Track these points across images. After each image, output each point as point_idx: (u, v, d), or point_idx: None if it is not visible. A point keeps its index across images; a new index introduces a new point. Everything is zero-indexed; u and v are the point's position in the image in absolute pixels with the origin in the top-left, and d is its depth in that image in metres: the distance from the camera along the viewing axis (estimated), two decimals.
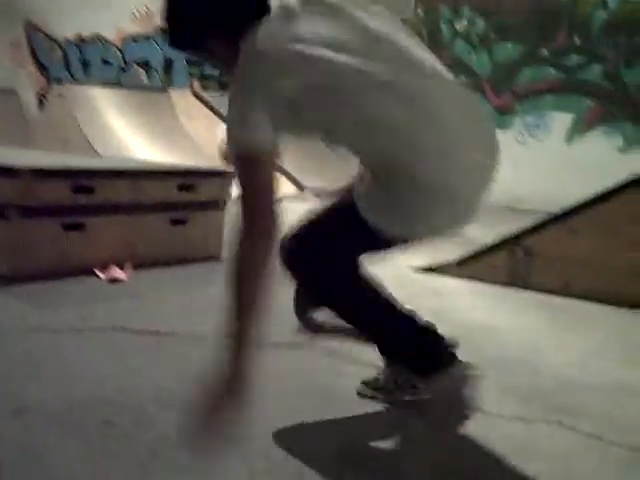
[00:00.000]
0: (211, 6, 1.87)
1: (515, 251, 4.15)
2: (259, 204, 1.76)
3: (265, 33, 1.80)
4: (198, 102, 10.28)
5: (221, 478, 1.74)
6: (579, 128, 9.27)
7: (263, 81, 1.77)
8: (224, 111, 9.33)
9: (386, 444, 2.03)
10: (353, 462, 1.86)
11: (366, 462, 1.89)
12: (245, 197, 1.77)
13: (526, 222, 4.33)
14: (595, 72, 9.14)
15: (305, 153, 10.09)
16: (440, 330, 2.95)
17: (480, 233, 6.16)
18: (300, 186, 9.01)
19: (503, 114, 9.89)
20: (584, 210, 3.90)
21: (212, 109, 10.01)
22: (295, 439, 1.97)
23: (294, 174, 9.15)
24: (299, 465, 1.81)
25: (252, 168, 1.77)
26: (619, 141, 8.93)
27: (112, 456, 1.81)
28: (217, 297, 3.44)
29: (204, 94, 10.60)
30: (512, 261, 4.15)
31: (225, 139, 1.82)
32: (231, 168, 1.87)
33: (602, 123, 9.10)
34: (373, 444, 2.03)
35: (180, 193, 4.29)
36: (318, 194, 8.76)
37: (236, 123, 1.80)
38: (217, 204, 4.45)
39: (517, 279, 4.11)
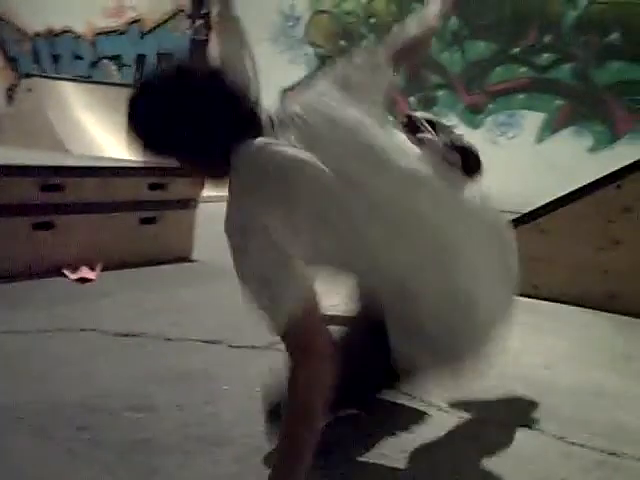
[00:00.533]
0: (186, 140, 1.69)
1: None
2: (315, 348, 1.50)
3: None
4: None
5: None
6: (550, 127, 9.34)
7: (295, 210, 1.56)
8: None
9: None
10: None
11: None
12: (298, 350, 1.52)
13: None
14: (565, 71, 9.21)
15: None
16: None
17: None
18: None
19: (474, 113, 9.94)
20: (553, 210, 3.93)
21: None
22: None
23: None
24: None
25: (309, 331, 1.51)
26: (589, 141, 9.01)
27: (80, 460, 1.80)
28: (187, 298, 3.47)
29: None
30: None
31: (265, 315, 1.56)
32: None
33: (572, 123, 9.18)
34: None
35: (151, 192, 4.26)
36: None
37: (271, 288, 1.52)
38: (188, 203, 4.43)
39: None
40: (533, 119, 9.48)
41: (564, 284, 3.81)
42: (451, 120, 10.11)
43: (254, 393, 2.14)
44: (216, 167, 1.73)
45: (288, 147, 1.61)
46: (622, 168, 3.77)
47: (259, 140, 1.64)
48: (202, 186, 2.02)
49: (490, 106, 9.83)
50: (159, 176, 4.33)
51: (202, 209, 4.53)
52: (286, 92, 2.24)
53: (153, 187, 4.26)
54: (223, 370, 2.25)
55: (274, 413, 1.85)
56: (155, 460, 1.79)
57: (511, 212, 4.96)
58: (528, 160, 9.19)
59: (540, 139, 9.42)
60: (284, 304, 1.47)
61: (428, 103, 10.38)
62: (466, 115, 10.02)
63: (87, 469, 1.76)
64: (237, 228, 1.62)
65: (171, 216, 4.36)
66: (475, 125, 9.93)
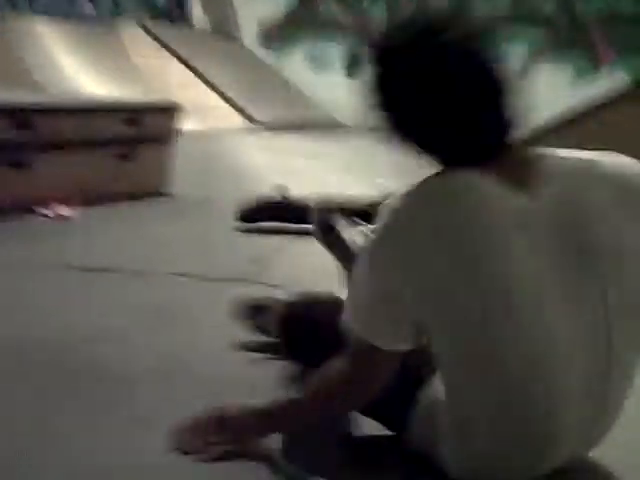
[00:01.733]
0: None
1: None
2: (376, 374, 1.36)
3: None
4: (148, 37, 10.06)
5: (147, 411, 1.76)
6: (531, 58, 9.28)
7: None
8: (175, 45, 9.12)
9: None
10: None
11: None
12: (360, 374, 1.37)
13: None
14: (549, 2, 9.13)
15: (257, 86, 10.00)
16: None
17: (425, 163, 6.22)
18: (251, 118, 8.93)
19: None
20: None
21: (162, 43, 9.82)
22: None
23: (245, 107, 9.06)
24: None
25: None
26: (571, 71, 8.98)
27: (40, 392, 1.82)
28: (162, 233, 3.50)
29: (154, 27, 10.37)
30: None
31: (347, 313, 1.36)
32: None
33: (554, 53, 9.13)
34: None
35: (126, 128, 4.25)
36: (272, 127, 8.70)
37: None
38: (164, 139, 4.42)
39: None
40: (515, 50, 9.41)
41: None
42: None
43: (226, 325, 2.18)
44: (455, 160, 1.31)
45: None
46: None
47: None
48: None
49: None
50: (134, 112, 4.31)
51: (179, 145, 4.53)
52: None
53: (128, 123, 4.24)
54: (195, 302, 2.29)
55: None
56: (122, 392, 1.82)
57: None
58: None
59: (522, 70, 9.37)
60: (382, 327, 1.30)
61: None
62: None
63: (47, 401, 1.78)
64: (398, 225, 1.28)
65: (148, 152, 4.36)
66: None
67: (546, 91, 8.53)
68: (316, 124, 9.63)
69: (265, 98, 9.62)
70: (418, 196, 1.28)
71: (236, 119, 8.89)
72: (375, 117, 1.37)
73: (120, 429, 1.62)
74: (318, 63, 11.06)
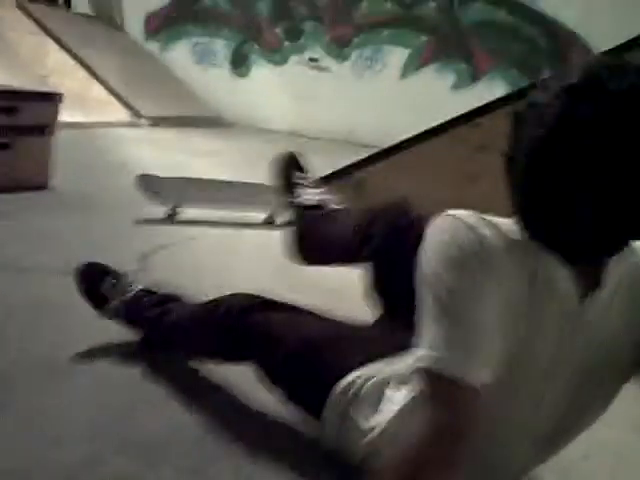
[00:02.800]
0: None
1: (344, 185, 4.25)
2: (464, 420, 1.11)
3: None
4: (27, 19, 9.66)
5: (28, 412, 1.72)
6: (414, 64, 9.51)
7: None
8: (55, 29, 8.78)
9: None
10: None
11: None
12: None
13: (356, 157, 4.43)
14: (430, 8, 9.36)
15: (143, 79, 9.79)
16: (267, 263, 3.04)
17: (312, 165, 6.28)
18: (136, 113, 8.74)
19: (341, 46, 9.97)
20: (411, 146, 4.03)
21: (42, 26, 9.45)
22: None
23: (130, 100, 8.85)
24: None
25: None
26: (452, 79, 9.25)
27: None
28: (42, 227, 3.37)
29: (33, 9, 9.97)
30: (341, 196, 4.24)
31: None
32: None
33: (436, 60, 9.38)
34: None
35: (3, 116, 4.05)
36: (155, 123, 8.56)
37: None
38: (43, 129, 4.25)
39: None
40: (398, 55, 9.61)
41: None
42: (317, 52, 10.12)
43: (108, 324, 2.13)
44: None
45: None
46: (479, 107, 3.90)
47: None
48: None
49: (356, 40, 9.88)
50: (11, 99, 4.12)
51: (60, 136, 4.37)
52: None
53: (5, 111, 4.05)
54: (76, 300, 2.21)
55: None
56: (1, 394, 1.75)
57: (373, 146, 5.08)
58: (392, 95, 9.35)
59: (404, 75, 9.59)
60: (468, 357, 1.10)
61: (294, 34, 10.31)
62: (332, 48, 10.05)
63: None
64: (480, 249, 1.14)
65: (25, 143, 4.17)
66: (341, 59, 9.98)
67: (427, 97, 8.78)
68: (201, 120, 9.54)
69: (150, 91, 9.43)
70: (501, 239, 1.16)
71: (120, 112, 8.67)
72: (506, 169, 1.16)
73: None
74: (203, 58, 10.94)
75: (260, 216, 4.16)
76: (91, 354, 2.03)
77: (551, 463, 1.54)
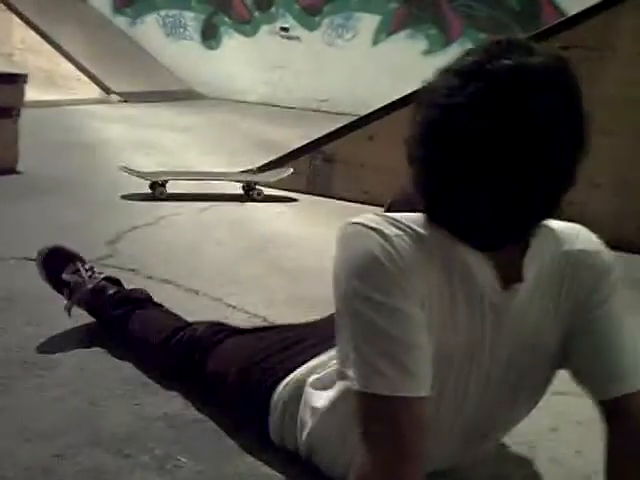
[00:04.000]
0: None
1: (315, 158, 4.24)
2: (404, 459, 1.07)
3: None
4: None
5: None
6: (385, 30, 9.44)
7: None
8: (16, 2, 8.56)
9: None
10: None
11: None
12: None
13: (331, 126, 4.42)
14: None
15: (112, 54, 9.66)
16: (239, 242, 3.03)
17: (285, 137, 6.26)
18: (106, 89, 8.63)
19: (311, 15, 9.88)
20: (381, 116, 4.02)
21: (4, 1, 9.26)
22: None
23: (99, 76, 8.74)
24: None
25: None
26: (423, 44, 9.20)
27: None
28: (10, 213, 3.33)
29: None
30: (312, 168, 4.24)
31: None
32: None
33: (407, 26, 9.31)
34: None
35: None
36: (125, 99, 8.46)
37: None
38: (9, 112, 4.18)
39: (317, 187, 4.21)
40: (369, 21, 9.54)
41: (392, 190, 3.88)
42: (288, 22, 10.02)
43: (79, 313, 2.11)
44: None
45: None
46: None
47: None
48: None
49: (326, 8, 9.79)
50: None
51: (25, 116, 4.32)
52: None
53: None
54: (47, 289, 2.19)
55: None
56: None
57: (346, 114, 5.07)
58: (364, 63, 9.28)
59: (375, 42, 9.52)
60: (398, 381, 1.07)
61: (265, 4, 10.20)
62: (302, 17, 9.95)
63: None
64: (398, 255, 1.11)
65: None
66: (312, 27, 9.89)
67: (399, 63, 8.73)
68: (173, 94, 9.44)
69: (120, 67, 9.30)
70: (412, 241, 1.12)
71: (89, 88, 8.56)
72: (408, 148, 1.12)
73: None
74: (173, 31, 10.80)
75: (238, 190, 4.19)
76: (63, 345, 2.02)
77: (518, 437, 1.57)
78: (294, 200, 4.16)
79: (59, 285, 2.13)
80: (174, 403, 1.74)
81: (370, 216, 1.15)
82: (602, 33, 3.57)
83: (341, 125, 4.26)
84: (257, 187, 4.15)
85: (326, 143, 4.24)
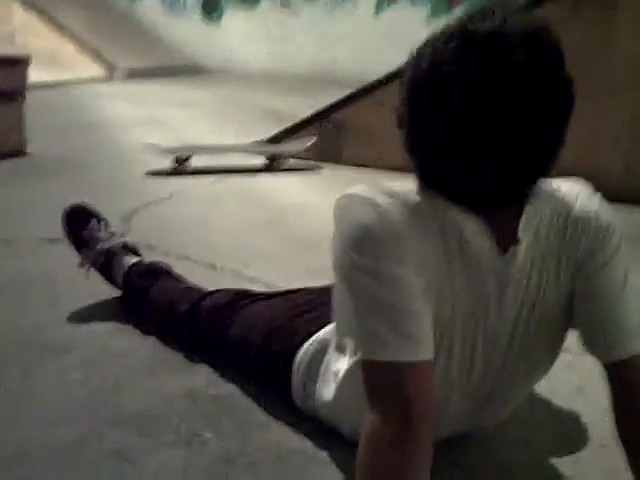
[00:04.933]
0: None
1: (325, 126, 4.20)
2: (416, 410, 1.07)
3: None
4: None
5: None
6: (386, 0, 9.33)
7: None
8: None
9: None
10: None
11: None
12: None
13: (337, 94, 4.37)
14: None
15: (114, 32, 9.59)
16: (253, 211, 3.00)
17: (292, 107, 6.22)
18: (109, 67, 8.58)
19: None
20: (389, 83, 3.96)
21: None
22: None
23: (103, 54, 8.68)
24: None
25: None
26: (426, 10, 9.09)
27: None
28: (21, 195, 3.32)
29: None
30: (323, 136, 4.20)
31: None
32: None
33: None
34: None
35: None
36: (131, 74, 8.41)
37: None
38: (13, 95, 4.15)
39: (329, 154, 4.17)
40: None
41: (404, 155, 3.85)
42: None
43: (97, 292, 2.10)
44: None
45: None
46: None
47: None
48: None
49: None
50: None
51: (30, 98, 4.29)
52: None
53: None
54: (63, 270, 2.18)
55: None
56: None
57: (353, 83, 5.01)
58: (367, 31, 9.18)
59: (378, 10, 9.41)
60: (399, 346, 1.09)
61: None
62: None
63: None
64: (391, 225, 1.11)
65: None
66: None
67: (403, 29, 8.63)
68: (177, 69, 9.39)
69: (122, 45, 9.25)
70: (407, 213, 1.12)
71: (92, 67, 8.52)
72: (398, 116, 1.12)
73: None
74: (173, 7, 10.71)
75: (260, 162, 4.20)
76: (81, 327, 2.00)
77: (545, 400, 1.55)
78: (318, 168, 4.14)
79: (78, 242, 2.13)
80: (197, 379, 1.73)
81: (363, 187, 1.15)
82: None
83: (349, 93, 4.21)
84: (281, 157, 4.14)
85: (335, 111, 4.20)
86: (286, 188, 3.75)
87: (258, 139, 4.44)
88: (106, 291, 2.11)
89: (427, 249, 1.11)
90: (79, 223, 2.14)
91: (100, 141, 4.73)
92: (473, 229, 1.12)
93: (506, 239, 1.14)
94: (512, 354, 1.25)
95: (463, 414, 1.33)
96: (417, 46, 1.09)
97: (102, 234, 2.12)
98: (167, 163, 3.94)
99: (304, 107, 5.14)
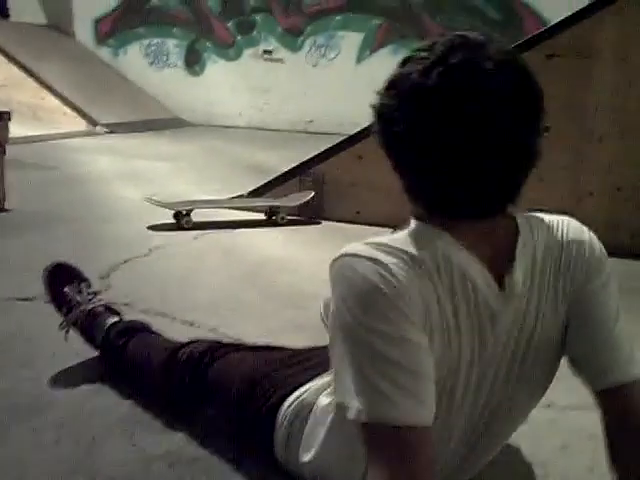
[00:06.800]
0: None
1: (305, 180, 4.21)
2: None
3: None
4: None
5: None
6: (369, 47, 9.46)
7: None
8: (1, 40, 8.53)
9: None
10: None
11: None
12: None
13: (318, 147, 4.39)
14: None
15: (96, 86, 9.65)
16: (233, 267, 2.98)
17: (274, 160, 6.25)
18: (92, 121, 8.61)
19: (294, 36, 9.90)
20: (369, 135, 3.99)
21: None
22: None
23: (85, 109, 8.72)
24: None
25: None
26: None
27: None
28: (3, 253, 3.28)
29: None
30: (303, 190, 4.21)
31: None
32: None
33: (390, 42, 9.34)
34: None
35: None
36: (111, 130, 8.44)
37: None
38: None
39: (309, 209, 4.17)
40: (352, 40, 9.56)
41: (383, 208, 3.74)
42: (270, 44, 10.04)
43: (74, 352, 2.07)
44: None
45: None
46: None
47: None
48: None
49: (309, 28, 9.82)
50: None
51: (11, 152, 4.29)
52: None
53: None
54: (38, 329, 2.15)
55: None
56: None
57: (334, 134, 5.06)
58: (349, 81, 9.29)
59: (359, 60, 9.54)
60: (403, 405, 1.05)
61: (246, 28, 10.23)
62: (285, 38, 9.98)
63: None
64: (382, 277, 1.09)
65: None
66: (295, 48, 9.91)
67: (385, 78, 8.73)
68: (159, 123, 9.44)
69: (105, 98, 9.30)
70: (406, 262, 1.10)
71: (74, 122, 8.55)
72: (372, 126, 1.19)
73: None
74: (156, 59, 10.81)
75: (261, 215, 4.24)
76: (56, 387, 1.97)
77: (529, 455, 1.52)
78: (316, 223, 4.14)
79: (58, 301, 2.11)
80: (174, 441, 1.69)
81: (358, 246, 1.13)
82: (586, 40, 3.56)
83: (329, 146, 4.23)
84: (280, 212, 4.16)
85: (314, 165, 4.21)
86: (268, 243, 3.74)
87: (239, 194, 4.44)
88: (84, 351, 2.08)
89: (432, 302, 1.10)
90: (61, 282, 2.13)
91: (80, 196, 4.72)
92: (474, 269, 1.12)
93: (501, 270, 1.15)
94: (510, 386, 1.24)
95: (457, 457, 1.31)
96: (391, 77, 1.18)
97: (83, 295, 2.10)
98: (160, 218, 3.92)
99: (285, 160, 5.16)
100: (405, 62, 1.16)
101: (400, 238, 1.14)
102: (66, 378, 2.01)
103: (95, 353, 2.07)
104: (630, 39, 3.54)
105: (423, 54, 1.12)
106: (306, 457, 1.40)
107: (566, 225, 1.23)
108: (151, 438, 1.71)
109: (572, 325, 1.21)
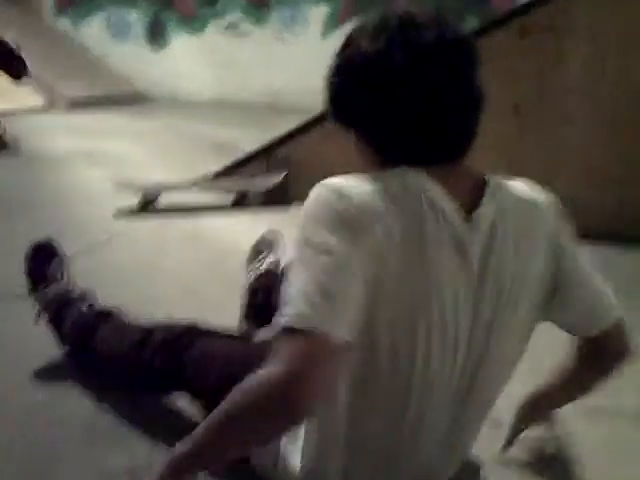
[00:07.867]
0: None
1: (271, 161, 4.13)
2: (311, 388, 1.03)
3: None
4: None
5: None
6: (334, 21, 9.33)
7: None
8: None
9: None
10: None
11: None
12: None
13: (282, 123, 4.30)
14: None
15: (54, 58, 9.41)
16: (198, 254, 2.89)
17: (239, 138, 6.13)
18: (50, 96, 8.39)
19: (259, 8, 9.74)
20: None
21: None
22: None
23: (42, 82, 8.49)
24: None
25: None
26: None
27: None
28: None
29: None
30: (269, 171, 4.12)
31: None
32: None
33: (356, 15, 9.22)
34: None
35: None
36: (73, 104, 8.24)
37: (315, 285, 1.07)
38: None
39: (275, 192, 4.07)
40: (318, 14, 9.43)
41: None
42: (235, 16, 9.86)
43: (35, 355, 1.98)
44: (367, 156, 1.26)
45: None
46: None
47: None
48: None
49: (275, 1, 9.66)
50: None
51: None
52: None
53: None
54: (8, 332, 2.06)
55: None
56: None
57: (300, 109, 4.94)
58: (314, 56, 9.15)
59: (325, 34, 9.42)
60: (325, 318, 1.05)
61: None
62: (250, 10, 9.81)
63: None
64: (342, 209, 1.11)
65: None
66: (260, 21, 9.75)
67: None
68: (121, 98, 9.24)
69: (65, 72, 9.07)
70: (375, 192, 1.13)
71: (32, 97, 8.31)
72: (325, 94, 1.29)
73: None
74: (118, 32, 10.58)
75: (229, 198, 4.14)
76: (12, 391, 1.89)
77: None
78: (284, 206, 4.01)
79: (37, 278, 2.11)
80: (138, 451, 1.62)
81: (336, 179, 1.15)
82: (559, 18, 3.49)
83: (296, 126, 4.13)
84: (249, 195, 4.07)
85: (282, 145, 4.12)
86: (235, 228, 3.64)
87: (203, 174, 4.33)
88: (44, 354, 1.98)
89: (395, 228, 1.11)
90: (42, 261, 2.15)
91: (39, 177, 4.57)
92: (444, 198, 1.16)
93: (469, 205, 1.18)
94: (492, 334, 1.23)
95: (443, 423, 1.28)
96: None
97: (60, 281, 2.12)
98: (123, 202, 3.81)
99: (251, 138, 5.07)
100: (347, 43, 1.29)
101: (375, 173, 1.18)
102: (27, 382, 1.92)
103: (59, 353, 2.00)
104: (603, 17, 3.49)
105: (367, 30, 1.26)
106: (289, 446, 1.37)
107: (529, 186, 1.29)
108: (115, 449, 1.64)
109: (548, 277, 1.26)
